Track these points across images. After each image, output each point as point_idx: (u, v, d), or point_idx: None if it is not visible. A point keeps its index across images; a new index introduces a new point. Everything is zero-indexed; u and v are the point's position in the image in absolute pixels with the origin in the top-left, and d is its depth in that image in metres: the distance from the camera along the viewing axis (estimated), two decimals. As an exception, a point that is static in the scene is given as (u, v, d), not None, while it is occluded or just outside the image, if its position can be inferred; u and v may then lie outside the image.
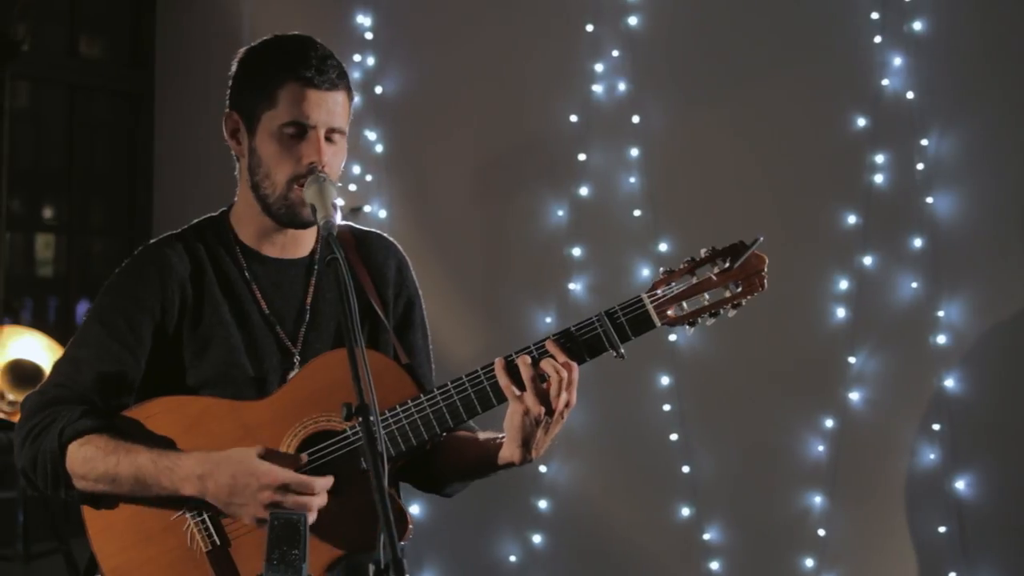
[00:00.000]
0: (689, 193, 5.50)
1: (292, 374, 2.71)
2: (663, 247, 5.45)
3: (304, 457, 2.57)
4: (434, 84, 6.00)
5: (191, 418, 2.65)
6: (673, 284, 2.57)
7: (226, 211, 2.83)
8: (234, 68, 2.74)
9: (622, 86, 5.58)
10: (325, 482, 2.54)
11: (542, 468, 5.66)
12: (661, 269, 2.60)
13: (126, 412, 2.67)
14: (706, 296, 2.57)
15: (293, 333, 2.76)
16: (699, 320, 2.58)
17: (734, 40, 5.42)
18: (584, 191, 5.65)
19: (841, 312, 5.21)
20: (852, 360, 5.18)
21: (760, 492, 5.38)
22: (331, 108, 2.65)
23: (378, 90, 6.02)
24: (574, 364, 2.54)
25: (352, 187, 5.96)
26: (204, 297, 2.72)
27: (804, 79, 5.29)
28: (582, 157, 5.63)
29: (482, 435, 2.77)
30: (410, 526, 2.60)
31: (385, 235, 2.94)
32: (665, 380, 5.47)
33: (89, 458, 2.59)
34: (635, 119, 5.54)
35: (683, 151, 5.52)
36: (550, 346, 2.55)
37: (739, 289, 2.57)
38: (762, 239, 2.56)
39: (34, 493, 3.04)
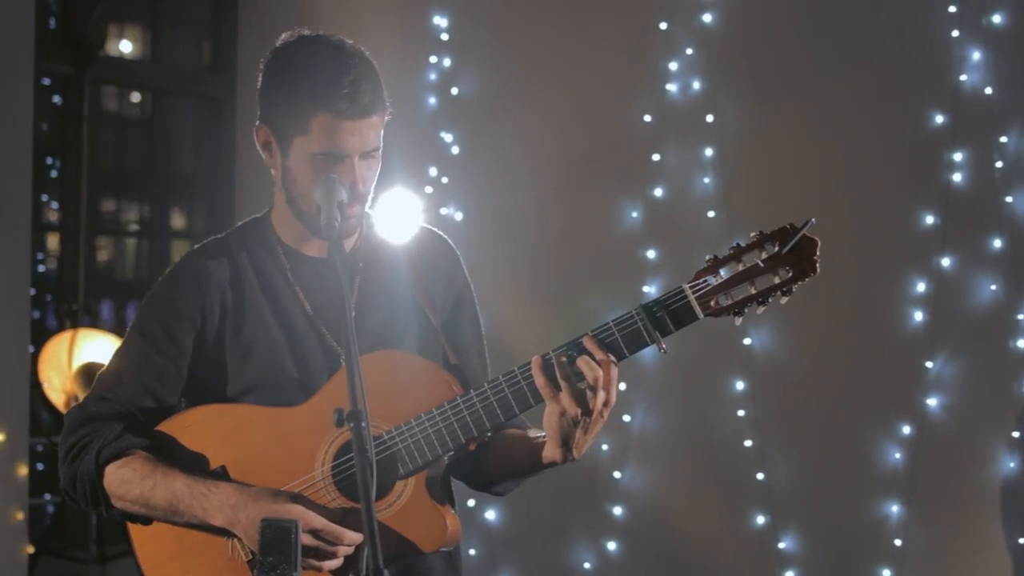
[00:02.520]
0: (764, 193, 5.42)
1: (337, 375, 2.65)
2: (738, 249, 5.36)
3: (337, 508, 2.54)
4: (509, 85, 5.98)
5: (230, 427, 2.63)
6: (718, 272, 2.41)
7: (268, 211, 2.79)
8: (263, 73, 2.67)
9: (696, 84, 5.51)
10: (354, 536, 2.50)
11: (616, 474, 5.61)
12: (706, 257, 2.45)
13: (166, 423, 2.66)
14: (754, 284, 2.40)
15: (338, 333, 2.70)
16: (746, 309, 2.41)
17: (809, 37, 5.34)
18: (658, 192, 5.58)
19: (918, 315, 5.11)
20: (930, 365, 5.09)
21: (836, 500, 5.30)
22: (364, 134, 2.58)
23: (454, 91, 6.00)
24: (612, 361, 2.44)
25: (428, 189, 5.95)
26: (245, 301, 2.69)
27: (880, 76, 5.19)
28: (656, 157, 5.57)
29: (531, 432, 2.68)
30: (450, 530, 2.55)
31: (437, 231, 2.87)
32: (740, 385, 5.39)
33: (125, 480, 2.58)
34: (709, 118, 5.47)
35: (758, 150, 5.45)
36: (587, 342, 2.45)
37: (789, 275, 2.38)
38: (813, 221, 2.37)
39: (76, 508, 3.05)
